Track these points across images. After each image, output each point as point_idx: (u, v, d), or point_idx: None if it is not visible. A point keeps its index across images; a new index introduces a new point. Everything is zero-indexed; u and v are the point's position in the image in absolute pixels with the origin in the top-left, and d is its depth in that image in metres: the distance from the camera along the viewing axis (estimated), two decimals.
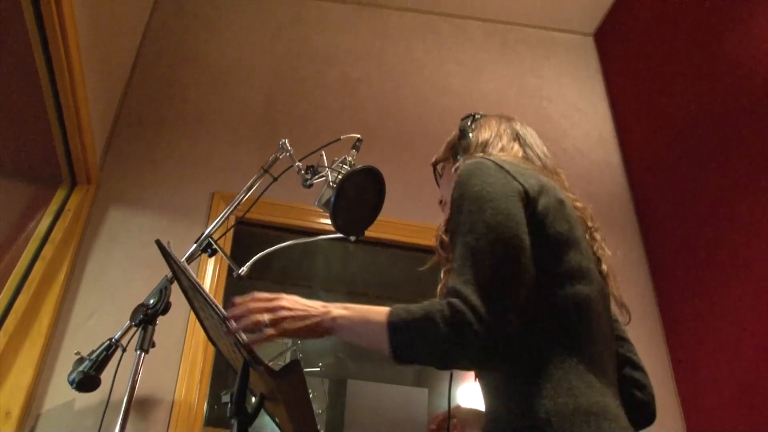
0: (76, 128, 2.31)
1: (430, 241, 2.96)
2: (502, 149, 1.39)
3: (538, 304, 1.07)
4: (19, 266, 2.25)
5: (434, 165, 1.60)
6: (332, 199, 1.63)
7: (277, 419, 1.63)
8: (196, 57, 3.25)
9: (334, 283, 4.27)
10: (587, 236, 1.25)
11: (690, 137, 3.01)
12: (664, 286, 3.04)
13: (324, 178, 1.79)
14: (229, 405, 1.34)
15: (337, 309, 1.18)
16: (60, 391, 2.19)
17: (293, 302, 1.22)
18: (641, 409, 1.28)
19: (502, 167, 1.18)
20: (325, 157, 1.86)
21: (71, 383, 1.78)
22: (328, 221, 1.73)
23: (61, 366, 2.25)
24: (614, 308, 1.31)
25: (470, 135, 1.47)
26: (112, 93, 2.83)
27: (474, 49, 3.77)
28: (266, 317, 1.19)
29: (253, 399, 1.44)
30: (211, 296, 1.48)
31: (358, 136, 1.92)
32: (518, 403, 1.04)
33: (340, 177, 1.68)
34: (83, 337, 2.31)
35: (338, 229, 1.72)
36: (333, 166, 1.77)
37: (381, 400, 5.29)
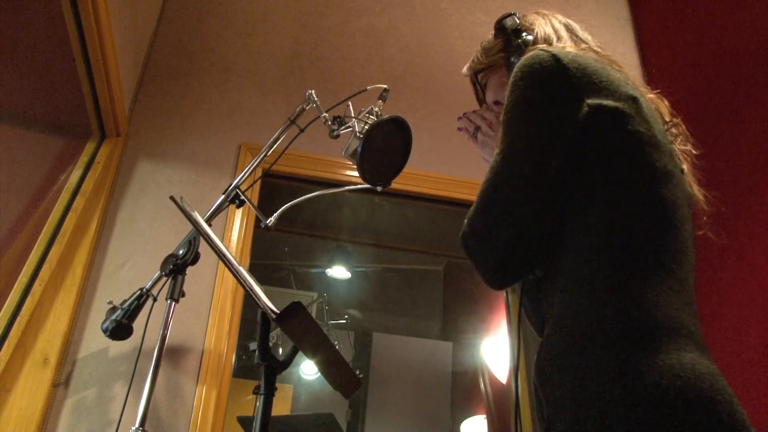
0: (105, 81, 2.32)
1: (456, 194, 2.97)
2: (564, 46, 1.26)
3: (616, 209, 0.99)
4: (51, 218, 2.30)
5: (476, 74, 1.48)
6: (359, 149, 1.63)
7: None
8: (222, 7, 3.22)
9: (361, 235, 4.30)
10: (666, 133, 1.14)
11: (722, 89, 2.94)
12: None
13: (351, 129, 1.79)
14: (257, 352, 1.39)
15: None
16: (94, 339, 2.25)
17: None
18: None
19: (561, 61, 1.06)
20: (351, 108, 1.86)
21: (105, 331, 1.83)
22: (355, 173, 1.74)
23: (94, 314, 2.29)
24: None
25: (523, 34, 1.35)
26: (139, 45, 2.83)
27: None
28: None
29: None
30: (226, 250, 1.51)
31: (385, 86, 1.90)
32: (575, 319, 0.96)
33: (367, 127, 1.67)
34: (115, 287, 2.36)
35: (365, 179, 1.72)
36: (360, 117, 1.77)
37: (406, 352, 5.39)
